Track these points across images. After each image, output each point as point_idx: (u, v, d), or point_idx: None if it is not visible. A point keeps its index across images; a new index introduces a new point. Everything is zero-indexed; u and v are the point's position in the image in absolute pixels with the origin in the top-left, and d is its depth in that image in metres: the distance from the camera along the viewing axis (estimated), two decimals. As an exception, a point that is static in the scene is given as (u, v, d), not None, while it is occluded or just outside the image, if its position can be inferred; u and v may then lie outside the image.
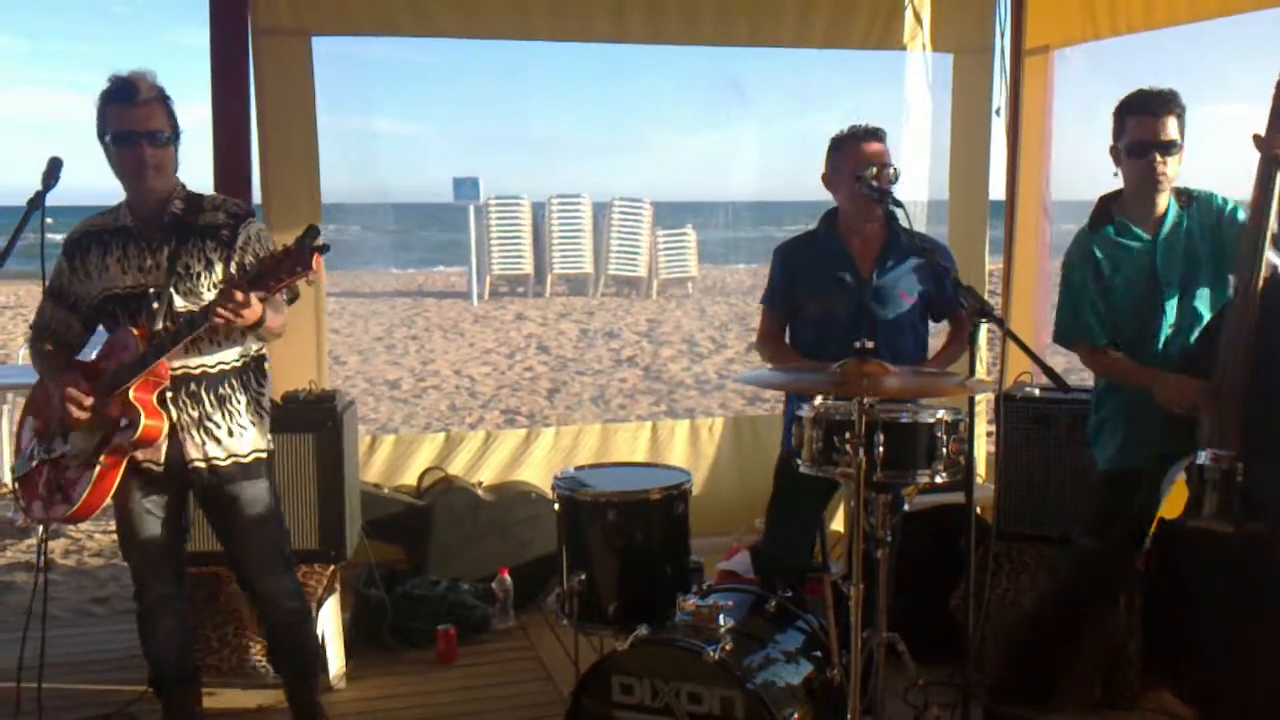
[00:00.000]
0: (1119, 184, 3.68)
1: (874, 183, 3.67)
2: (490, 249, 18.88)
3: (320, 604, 4.18)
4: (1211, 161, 3.52)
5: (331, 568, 4.26)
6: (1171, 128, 3.48)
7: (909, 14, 5.56)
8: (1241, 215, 3.59)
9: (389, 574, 4.83)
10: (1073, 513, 4.04)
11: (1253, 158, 3.33)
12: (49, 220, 3.24)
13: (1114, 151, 3.62)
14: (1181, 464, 3.61)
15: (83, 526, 6.84)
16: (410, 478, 5.33)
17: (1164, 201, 3.60)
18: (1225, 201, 3.62)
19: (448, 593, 4.79)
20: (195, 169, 3.46)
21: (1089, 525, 3.78)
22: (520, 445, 5.57)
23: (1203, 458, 3.33)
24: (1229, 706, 3.50)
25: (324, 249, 3.05)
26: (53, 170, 3.19)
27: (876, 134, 3.84)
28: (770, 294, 4.05)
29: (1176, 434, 3.50)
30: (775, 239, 4.20)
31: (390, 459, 5.36)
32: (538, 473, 5.44)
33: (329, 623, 4.26)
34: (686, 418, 8.43)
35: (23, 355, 10.06)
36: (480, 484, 5.30)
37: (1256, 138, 3.33)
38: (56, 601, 5.36)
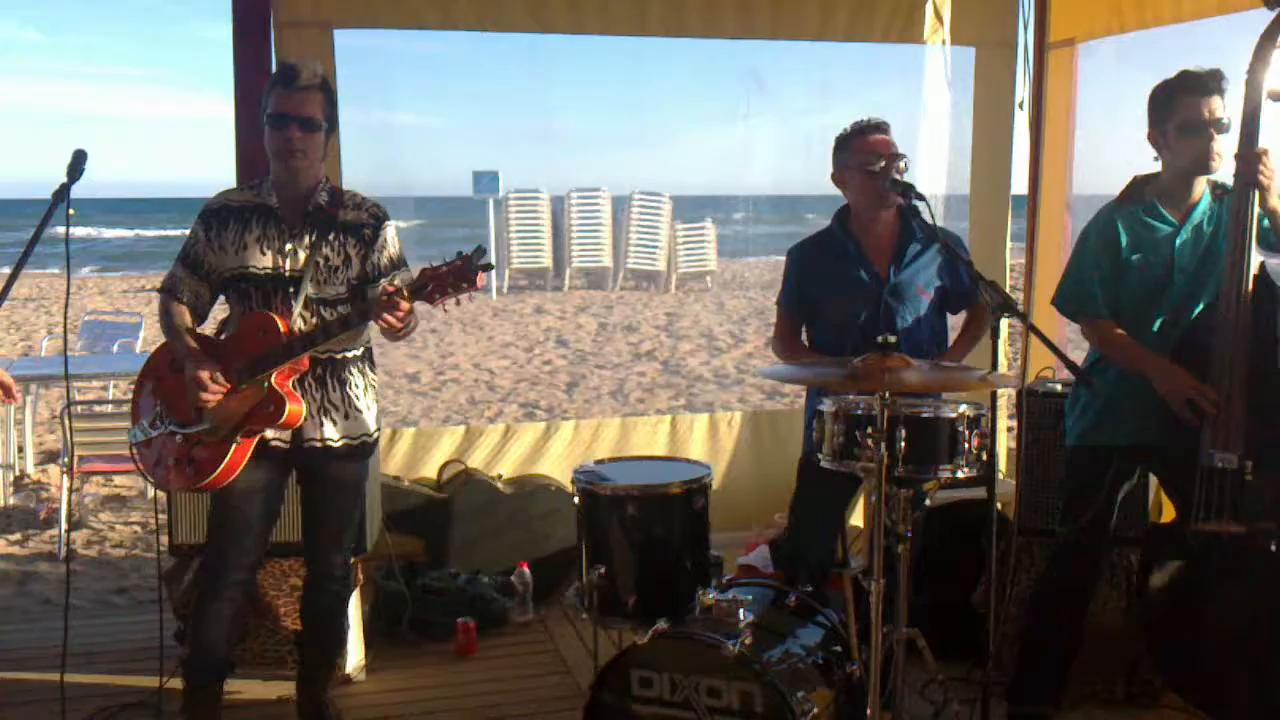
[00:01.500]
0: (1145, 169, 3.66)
1: (894, 175, 3.67)
2: (509, 243, 18.91)
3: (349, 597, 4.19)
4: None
5: (353, 560, 4.27)
6: (1221, 106, 3.46)
7: (930, 8, 5.54)
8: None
9: (409, 566, 4.84)
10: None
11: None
12: (70, 212, 3.25)
13: (1157, 136, 3.55)
14: (1147, 458, 3.60)
15: (103, 517, 6.90)
16: (430, 470, 5.35)
17: (1200, 189, 3.57)
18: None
19: (467, 585, 4.80)
20: (218, 160, 3.48)
21: (1062, 510, 3.78)
22: (539, 438, 5.58)
23: (1211, 459, 3.32)
24: (1243, 709, 3.48)
25: (489, 267, 3.17)
26: (77, 163, 3.21)
27: (880, 126, 3.82)
28: (785, 295, 4.03)
29: (1150, 424, 3.48)
30: (794, 233, 4.18)
31: (410, 452, 5.38)
32: (557, 466, 5.44)
33: (350, 615, 4.26)
34: (705, 412, 8.43)
35: (46, 346, 10.14)
36: (500, 477, 5.31)
37: (1236, 158, 3.37)
38: (78, 592, 5.40)
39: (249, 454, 3.39)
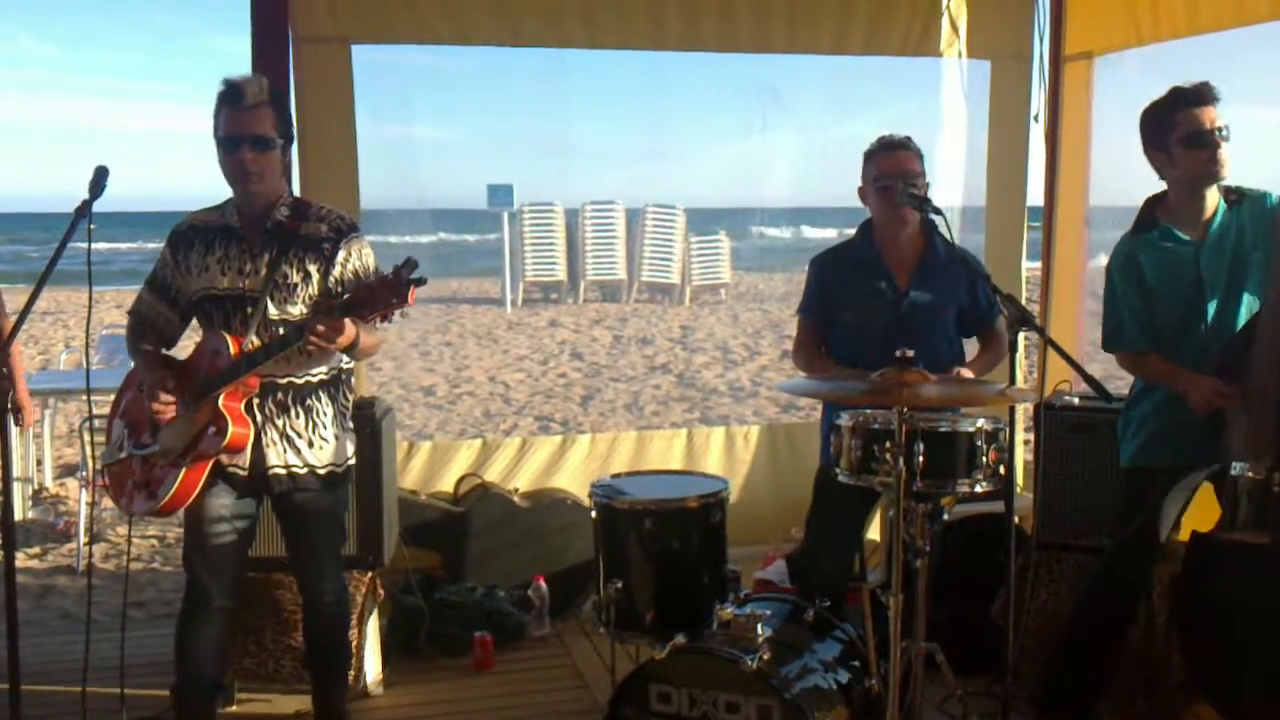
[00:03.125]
0: (1161, 186, 3.65)
1: (911, 191, 3.68)
2: (524, 255, 18.94)
3: (364, 615, 4.20)
4: (1260, 165, 3.47)
5: (370, 574, 4.28)
6: (1220, 115, 3.45)
7: (945, 21, 5.54)
8: None
9: (426, 580, 4.84)
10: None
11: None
12: (90, 227, 3.25)
13: (1159, 155, 3.55)
14: (1199, 474, 3.58)
15: (121, 530, 6.91)
16: (447, 484, 5.35)
17: (1213, 200, 3.56)
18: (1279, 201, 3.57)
19: (484, 599, 4.80)
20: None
21: (1111, 527, 3.77)
22: (556, 452, 5.58)
23: (1237, 469, 3.30)
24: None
25: (420, 282, 3.04)
26: (99, 179, 3.20)
27: (902, 143, 3.85)
28: (806, 304, 4.04)
29: (1202, 443, 3.47)
30: (809, 245, 4.19)
31: (427, 466, 5.39)
32: (574, 480, 5.45)
33: (367, 629, 4.27)
34: (720, 425, 8.43)
35: (65, 360, 10.18)
36: (516, 491, 5.31)
37: None
38: (96, 605, 5.40)
39: (203, 478, 3.32)
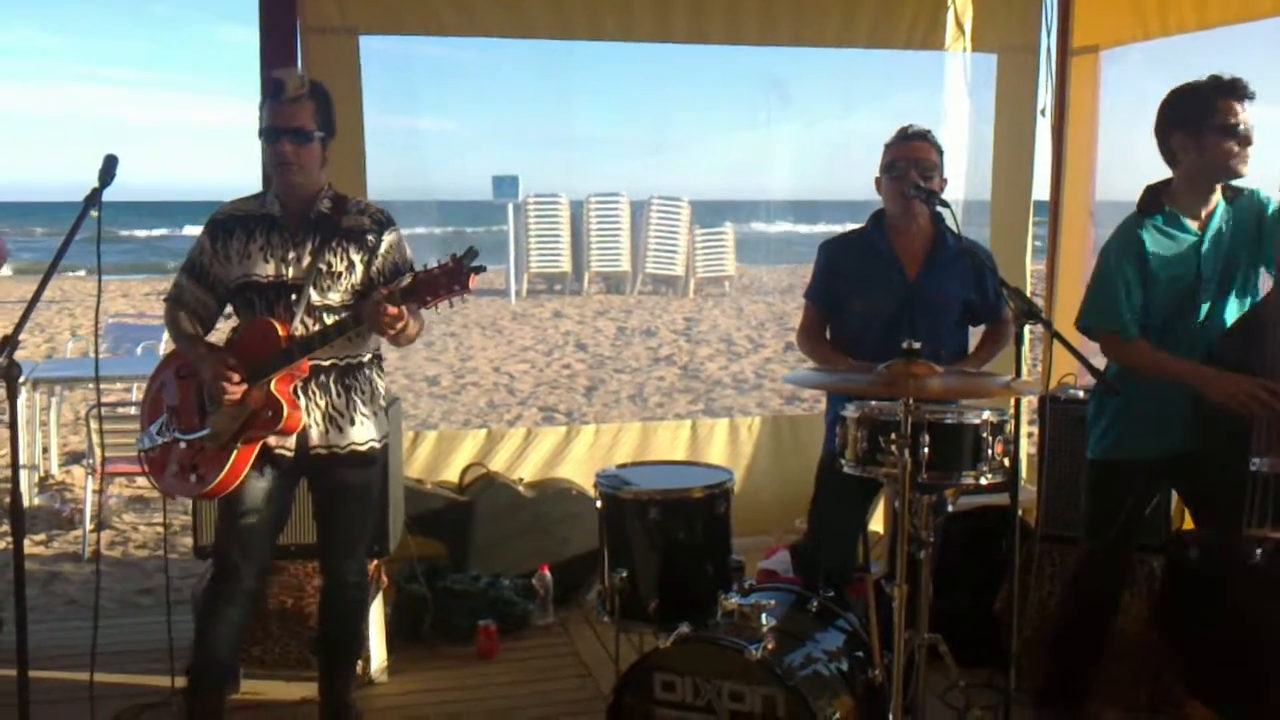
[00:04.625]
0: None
1: (917, 183, 3.70)
2: (528, 247, 18.93)
3: (369, 603, 4.21)
4: (1262, 164, 3.46)
5: (375, 563, 4.29)
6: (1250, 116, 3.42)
7: (951, 15, 5.54)
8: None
9: (430, 569, 4.86)
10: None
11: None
12: (94, 214, 3.25)
13: (1185, 138, 3.46)
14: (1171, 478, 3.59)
15: (127, 518, 6.95)
16: (452, 474, 5.37)
17: (1216, 194, 3.55)
18: (1267, 199, 3.56)
19: (488, 588, 4.82)
20: (246, 165, 3.51)
21: (1085, 523, 3.76)
22: (561, 442, 5.60)
23: (1258, 464, 3.29)
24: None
25: (480, 269, 3.18)
26: (108, 168, 3.20)
27: (919, 135, 3.87)
28: (813, 288, 4.05)
29: (1176, 436, 3.47)
30: (813, 238, 4.20)
31: (432, 455, 5.41)
32: (578, 470, 5.46)
33: (372, 617, 4.29)
34: (724, 416, 8.44)
35: (71, 348, 10.22)
36: (521, 481, 5.33)
37: None
38: (103, 592, 5.43)
39: (251, 461, 3.39)
